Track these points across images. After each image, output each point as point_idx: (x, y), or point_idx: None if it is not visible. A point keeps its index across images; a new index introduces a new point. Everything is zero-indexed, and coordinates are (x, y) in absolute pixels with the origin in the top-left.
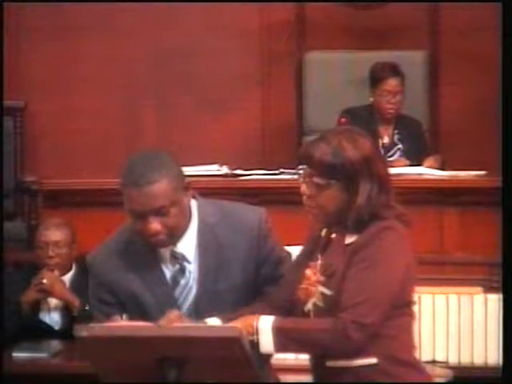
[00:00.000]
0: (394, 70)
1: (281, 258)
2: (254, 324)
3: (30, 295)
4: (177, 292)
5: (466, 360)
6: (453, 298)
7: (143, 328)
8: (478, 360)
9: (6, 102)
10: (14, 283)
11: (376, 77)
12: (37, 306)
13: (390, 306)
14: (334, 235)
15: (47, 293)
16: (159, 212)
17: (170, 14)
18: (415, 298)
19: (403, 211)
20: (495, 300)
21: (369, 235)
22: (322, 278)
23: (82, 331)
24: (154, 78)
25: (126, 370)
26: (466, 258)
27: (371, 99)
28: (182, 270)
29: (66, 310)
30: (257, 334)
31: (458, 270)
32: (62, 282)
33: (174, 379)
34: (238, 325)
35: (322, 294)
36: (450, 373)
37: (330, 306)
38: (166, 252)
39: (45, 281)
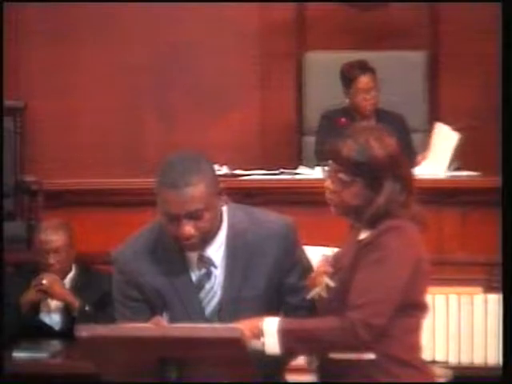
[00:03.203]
0: (364, 67)
1: (306, 269)
2: (260, 326)
3: (30, 296)
4: (201, 295)
5: (465, 360)
6: (453, 298)
7: (144, 328)
8: (478, 360)
9: (6, 102)
10: (14, 283)
11: (347, 77)
12: (36, 307)
13: (395, 306)
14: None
15: (47, 294)
16: (194, 215)
17: (169, 14)
18: None
19: (419, 211)
20: (495, 300)
21: (377, 233)
22: (330, 270)
23: (83, 331)
24: (154, 78)
25: (126, 371)
26: (466, 257)
27: (347, 100)
28: (208, 275)
29: (66, 311)
30: (262, 336)
31: (458, 270)
32: (62, 283)
33: (174, 379)
34: (244, 327)
35: (327, 285)
36: (449, 373)
37: (333, 298)
38: (193, 255)
39: (44, 281)
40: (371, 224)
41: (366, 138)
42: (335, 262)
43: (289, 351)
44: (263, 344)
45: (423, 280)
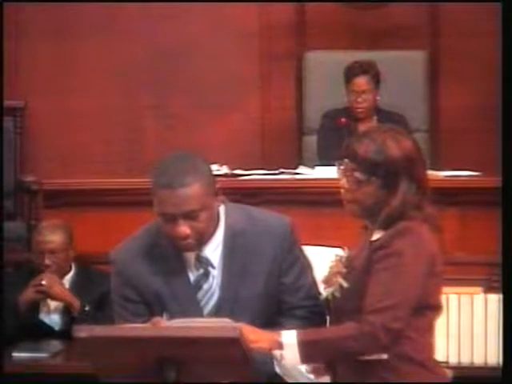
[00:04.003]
0: (362, 68)
1: (304, 268)
2: (279, 340)
3: (28, 295)
4: (199, 296)
5: (465, 360)
6: (453, 298)
7: (142, 328)
8: (478, 360)
9: (6, 102)
10: (14, 283)
11: (346, 77)
12: (36, 307)
13: (412, 308)
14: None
15: (46, 294)
16: (189, 216)
17: (169, 14)
18: None
19: (432, 213)
20: (495, 300)
21: (390, 235)
22: (343, 270)
23: (82, 332)
24: (154, 78)
25: (125, 371)
26: (466, 257)
27: (346, 99)
28: (206, 275)
29: (65, 311)
30: (281, 349)
31: (458, 270)
32: (62, 283)
33: (173, 379)
34: (261, 339)
35: (340, 285)
36: (449, 373)
37: (346, 298)
38: (191, 256)
39: (44, 282)
40: (385, 225)
41: (384, 139)
42: (348, 262)
43: (309, 362)
44: (282, 356)
45: (437, 281)
